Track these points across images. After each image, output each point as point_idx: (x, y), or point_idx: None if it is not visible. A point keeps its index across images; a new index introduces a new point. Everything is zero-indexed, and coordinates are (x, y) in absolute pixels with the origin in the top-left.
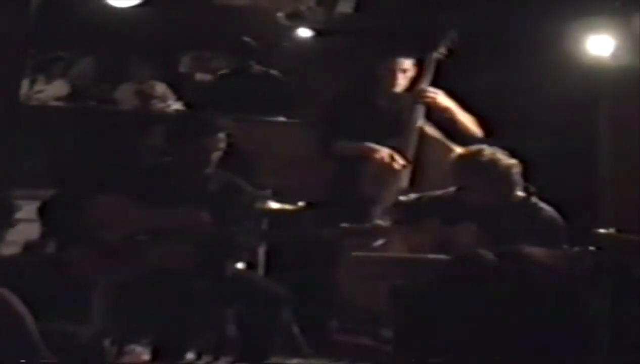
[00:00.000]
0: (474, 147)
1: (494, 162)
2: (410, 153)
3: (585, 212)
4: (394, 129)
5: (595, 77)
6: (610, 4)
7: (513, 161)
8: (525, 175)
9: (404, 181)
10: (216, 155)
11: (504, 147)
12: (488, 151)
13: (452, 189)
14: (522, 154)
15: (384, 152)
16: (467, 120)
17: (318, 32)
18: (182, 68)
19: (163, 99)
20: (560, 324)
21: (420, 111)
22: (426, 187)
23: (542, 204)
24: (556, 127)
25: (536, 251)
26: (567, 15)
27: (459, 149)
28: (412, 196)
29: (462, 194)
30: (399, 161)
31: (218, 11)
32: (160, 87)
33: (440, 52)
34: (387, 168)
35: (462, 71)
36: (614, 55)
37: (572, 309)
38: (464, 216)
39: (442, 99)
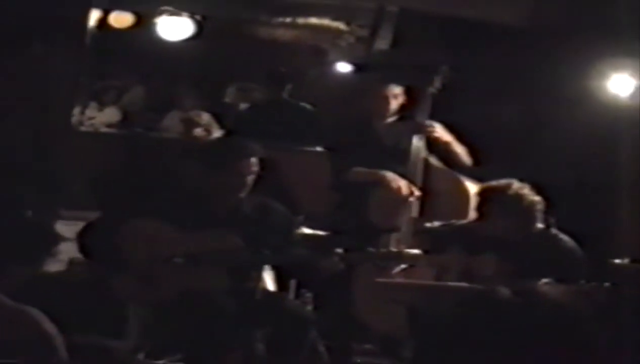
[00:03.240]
0: (503, 181)
1: (519, 198)
2: (418, 182)
3: (603, 244)
4: (395, 157)
5: (614, 115)
6: (632, 44)
7: (537, 198)
8: (547, 210)
9: (414, 210)
10: (250, 179)
11: (526, 180)
12: (516, 185)
13: (474, 219)
14: (542, 187)
15: (400, 181)
16: (461, 152)
17: (357, 67)
18: (227, 99)
19: (207, 127)
20: (573, 358)
21: (422, 140)
22: (436, 217)
23: (562, 235)
24: (576, 162)
25: (551, 289)
26: (589, 55)
27: (467, 181)
28: (437, 223)
29: (484, 225)
30: (416, 192)
31: (263, 45)
32: (205, 117)
33: (435, 86)
34: (399, 197)
35: (484, 103)
36: (633, 95)
37: (585, 345)
38: (485, 246)
39: (442, 132)
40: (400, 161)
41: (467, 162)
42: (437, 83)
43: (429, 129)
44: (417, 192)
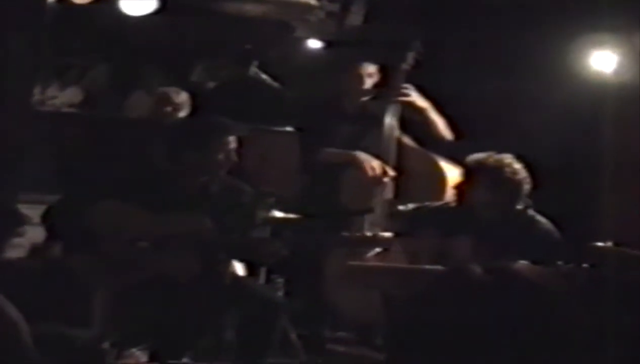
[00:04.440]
0: (495, 155)
1: (507, 173)
2: (392, 163)
3: (583, 226)
4: (368, 137)
5: (596, 92)
6: (614, 21)
7: (526, 175)
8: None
9: (389, 191)
10: (222, 162)
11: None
12: (510, 159)
13: (450, 199)
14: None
15: (374, 162)
16: (439, 122)
17: (328, 43)
18: (194, 77)
19: (177, 107)
20: (549, 341)
21: (395, 119)
22: (411, 198)
23: (539, 217)
24: (558, 141)
25: (525, 268)
26: (570, 31)
27: (441, 161)
28: (410, 205)
29: (461, 206)
30: (390, 172)
31: (230, 21)
32: (182, 96)
33: (408, 63)
34: (374, 179)
35: (461, 80)
36: (616, 71)
37: (563, 326)
38: (461, 228)
39: (417, 98)
40: (373, 141)
41: (447, 136)
42: (410, 59)
43: (403, 92)
44: (390, 173)
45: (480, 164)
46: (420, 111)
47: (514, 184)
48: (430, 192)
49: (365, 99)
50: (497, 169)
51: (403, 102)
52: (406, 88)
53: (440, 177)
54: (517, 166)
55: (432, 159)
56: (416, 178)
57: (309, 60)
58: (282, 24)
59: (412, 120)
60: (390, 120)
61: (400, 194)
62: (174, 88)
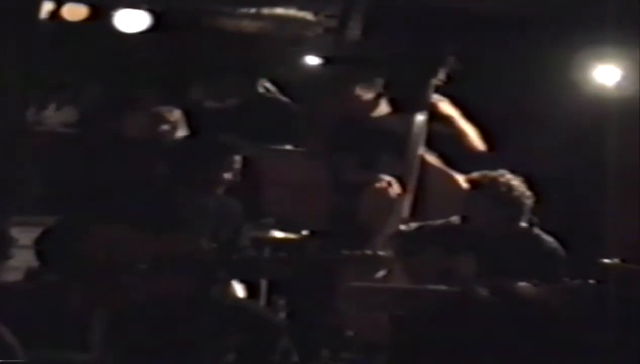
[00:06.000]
0: (493, 172)
1: (509, 190)
2: (412, 181)
3: (589, 243)
4: (387, 155)
5: (601, 106)
6: (617, 34)
7: (528, 192)
8: (536, 206)
9: (405, 210)
10: (221, 182)
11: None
12: (507, 176)
13: (454, 218)
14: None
15: (383, 180)
16: (470, 131)
17: (326, 60)
18: (192, 95)
19: (174, 125)
20: (559, 358)
21: (421, 135)
22: (427, 216)
23: (545, 236)
24: (560, 155)
25: (532, 289)
26: (573, 44)
27: (461, 178)
28: (413, 225)
29: (464, 224)
30: (395, 189)
31: (227, 38)
32: (176, 113)
33: (439, 78)
34: (385, 196)
35: (464, 95)
36: (618, 85)
37: (571, 343)
38: (465, 247)
39: (445, 106)
40: (398, 158)
41: (479, 146)
42: (442, 75)
43: (435, 101)
44: (397, 190)
45: (476, 183)
46: (447, 120)
47: (513, 200)
48: (449, 210)
49: (383, 114)
50: (494, 187)
51: (431, 109)
52: (434, 97)
53: (458, 195)
54: (515, 181)
55: (452, 178)
56: (435, 196)
57: (310, 77)
58: (279, 40)
59: (441, 133)
60: (415, 136)
61: (417, 213)
62: (167, 107)
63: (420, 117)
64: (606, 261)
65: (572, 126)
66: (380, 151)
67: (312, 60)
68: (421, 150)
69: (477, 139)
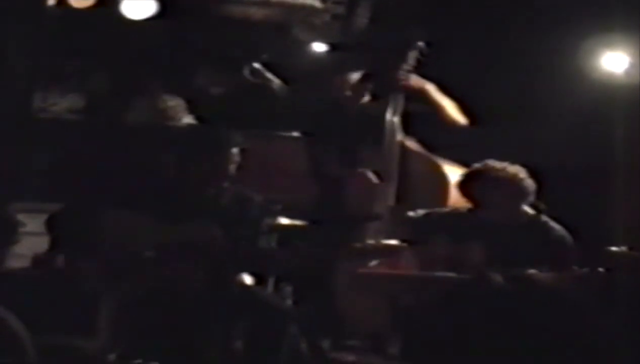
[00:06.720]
0: (497, 163)
1: (512, 180)
2: (393, 168)
3: (597, 231)
4: (370, 141)
5: (608, 93)
6: (625, 22)
7: (530, 181)
8: (538, 195)
9: (390, 197)
10: (229, 170)
11: (517, 163)
12: (499, 165)
13: (462, 206)
14: (534, 170)
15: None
16: (447, 104)
17: (333, 46)
18: (197, 82)
19: (175, 113)
20: (569, 346)
21: (397, 118)
22: (413, 203)
23: (552, 223)
24: (567, 143)
25: (544, 276)
26: (582, 31)
27: (444, 163)
28: (420, 212)
29: (471, 212)
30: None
31: (233, 25)
32: (174, 101)
33: (409, 63)
34: (369, 185)
35: (471, 81)
36: (627, 72)
37: (582, 330)
38: (473, 234)
39: (416, 79)
40: (374, 144)
41: (460, 120)
42: (412, 60)
43: (402, 78)
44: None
45: (476, 172)
46: (423, 94)
47: (513, 183)
48: (432, 196)
49: (364, 100)
50: (492, 172)
51: (403, 88)
52: (403, 74)
53: (443, 181)
54: (513, 168)
55: (435, 162)
56: (418, 182)
57: (311, 63)
58: (285, 26)
59: (418, 112)
60: (391, 118)
61: (402, 199)
62: (168, 94)
63: (395, 101)
64: (614, 249)
65: (579, 113)
66: (360, 139)
67: (319, 47)
68: (400, 135)
69: (456, 112)
